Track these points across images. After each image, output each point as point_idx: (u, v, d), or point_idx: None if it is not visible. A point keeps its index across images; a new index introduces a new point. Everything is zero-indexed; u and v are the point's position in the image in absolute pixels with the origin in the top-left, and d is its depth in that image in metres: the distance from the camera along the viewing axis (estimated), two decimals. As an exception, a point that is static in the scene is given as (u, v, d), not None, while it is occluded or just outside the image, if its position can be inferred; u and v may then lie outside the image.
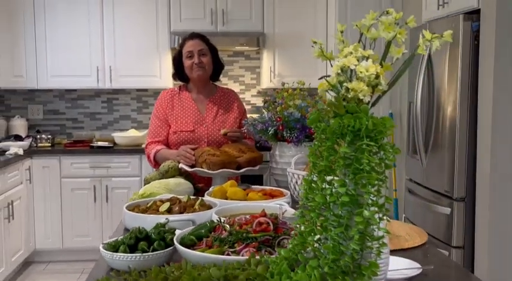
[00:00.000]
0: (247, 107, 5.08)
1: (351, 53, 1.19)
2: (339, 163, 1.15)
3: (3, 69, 4.68)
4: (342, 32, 1.30)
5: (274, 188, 2.28)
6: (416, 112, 3.47)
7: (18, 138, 4.81)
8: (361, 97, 1.17)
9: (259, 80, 5.28)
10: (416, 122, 3.49)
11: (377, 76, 1.17)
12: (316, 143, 1.20)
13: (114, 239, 1.55)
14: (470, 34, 3.04)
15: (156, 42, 4.89)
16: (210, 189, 2.22)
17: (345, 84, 1.18)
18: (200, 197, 2.00)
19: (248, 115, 3.06)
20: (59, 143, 4.98)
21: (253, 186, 2.35)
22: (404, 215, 3.90)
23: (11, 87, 4.97)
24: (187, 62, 2.80)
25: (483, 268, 3.00)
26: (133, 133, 4.93)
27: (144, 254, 1.44)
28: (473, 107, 3.08)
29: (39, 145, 4.82)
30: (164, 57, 4.86)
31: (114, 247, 1.48)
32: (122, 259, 1.43)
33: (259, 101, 5.24)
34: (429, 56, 3.37)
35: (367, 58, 1.19)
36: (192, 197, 2.02)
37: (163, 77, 4.87)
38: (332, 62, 1.25)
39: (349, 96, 1.18)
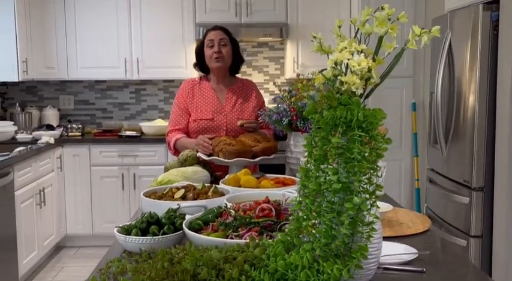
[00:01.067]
0: (270, 98, 5.16)
1: (345, 47, 1.25)
2: (331, 152, 1.22)
3: (36, 61, 4.85)
4: (339, 27, 1.35)
5: (287, 176, 2.33)
6: (437, 102, 3.48)
7: (50, 127, 4.98)
8: (354, 90, 1.23)
9: (283, 71, 5.32)
10: (437, 112, 3.50)
11: (369, 70, 1.22)
12: (312, 133, 1.26)
13: (128, 223, 1.65)
14: (489, 24, 3.03)
15: (181, 34, 4.99)
16: (225, 177, 2.29)
17: (339, 77, 1.24)
18: (214, 185, 2.07)
19: (271, 106, 3.11)
20: (89, 133, 5.13)
21: (267, 174, 2.42)
22: (426, 205, 3.91)
23: (43, 79, 5.13)
24: (208, 51, 2.86)
25: (501, 257, 3.01)
26: (160, 123, 5.04)
27: (154, 237, 1.53)
28: (492, 97, 3.07)
29: (70, 134, 4.98)
30: (189, 48, 4.93)
31: (127, 231, 1.58)
32: (134, 242, 1.53)
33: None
34: (450, 46, 3.37)
35: (361, 52, 1.24)
36: (207, 184, 2.09)
37: (189, 68, 4.93)
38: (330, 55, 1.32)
39: (343, 89, 1.24)
